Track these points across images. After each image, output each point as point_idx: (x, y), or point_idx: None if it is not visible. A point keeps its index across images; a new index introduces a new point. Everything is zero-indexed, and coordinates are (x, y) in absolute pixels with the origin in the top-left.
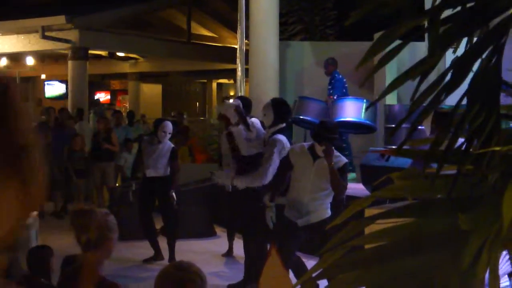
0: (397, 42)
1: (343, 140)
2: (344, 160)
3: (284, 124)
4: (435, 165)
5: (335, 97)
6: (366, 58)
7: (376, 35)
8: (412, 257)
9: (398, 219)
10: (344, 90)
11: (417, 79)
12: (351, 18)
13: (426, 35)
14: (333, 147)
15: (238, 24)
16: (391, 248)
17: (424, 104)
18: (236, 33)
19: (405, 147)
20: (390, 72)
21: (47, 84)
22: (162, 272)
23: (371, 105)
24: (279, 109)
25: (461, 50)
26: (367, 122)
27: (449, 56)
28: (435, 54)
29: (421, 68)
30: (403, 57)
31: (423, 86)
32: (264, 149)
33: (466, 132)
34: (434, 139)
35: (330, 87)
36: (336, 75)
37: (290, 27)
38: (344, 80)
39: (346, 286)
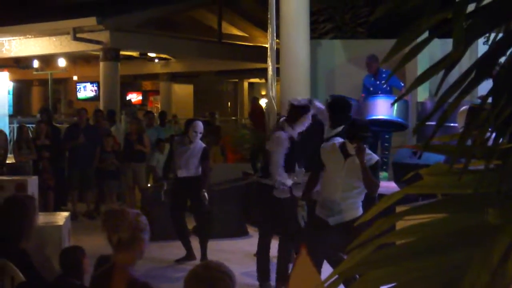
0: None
1: (386, 139)
2: (375, 158)
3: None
4: (464, 160)
5: (403, 85)
6: (391, 53)
7: None
8: (441, 254)
9: (427, 215)
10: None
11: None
12: (376, 14)
13: None
14: (365, 145)
15: (269, 23)
16: (421, 245)
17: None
18: (267, 32)
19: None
20: (422, 67)
21: (79, 85)
22: (191, 272)
23: (396, 101)
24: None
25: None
26: (399, 119)
27: (482, 49)
28: (459, 48)
29: (445, 63)
30: (435, 54)
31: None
32: None
33: (492, 127)
34: (461, 134)
35: (382, 82)
36: (384, 70)
37: (320, 26)
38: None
39: (376, 282)
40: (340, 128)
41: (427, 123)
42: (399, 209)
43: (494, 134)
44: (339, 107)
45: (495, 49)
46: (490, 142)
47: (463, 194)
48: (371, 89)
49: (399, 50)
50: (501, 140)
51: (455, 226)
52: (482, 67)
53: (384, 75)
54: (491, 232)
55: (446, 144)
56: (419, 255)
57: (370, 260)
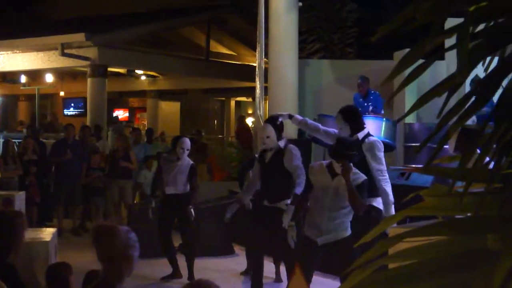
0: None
1: None
2: (362, 177)
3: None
4: (458, 183)
5: (382, 112)
6: (393, 74)
7: (396, 54)
8: (441, 276)
9: (426, 237)
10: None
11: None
12: (378, 34)
13: (445, 54)
14: (352, 164)
15: (257, 42)
16: (420, 267)
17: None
18: (255, 51)
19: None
20: (410, 91)
21: (66, 101)
22: None
23: (399, 121)
24: (352, 119)
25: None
26: (387, 140)
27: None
28: (463, 70)
29: (448, 85)
30: (423, 76)
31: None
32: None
33: (494, 150)
34: (461, 157)
35: (369, 103)
36: (373, 91)
37: (309, 45)
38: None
39: None
40: (361, 133)
41: (413, 144)
42: (392, 231)
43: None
44: (355, 114)
45: (498, 72)
46: (491, 166)
47: (462, 217)
48: (360, 109)
49: (402, 71)
50: (503, 162)
51: (456, 248)
52: (485, 90)
53: (371, 97)
54: (492, 255)
55: (443, 166)
56: (417, 278)
57: (370, 281)
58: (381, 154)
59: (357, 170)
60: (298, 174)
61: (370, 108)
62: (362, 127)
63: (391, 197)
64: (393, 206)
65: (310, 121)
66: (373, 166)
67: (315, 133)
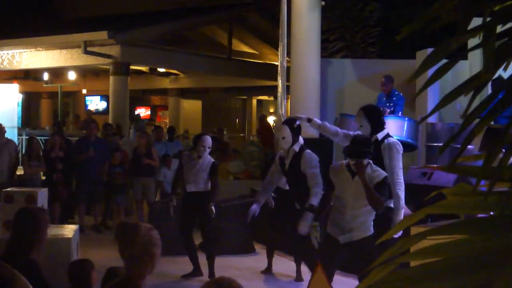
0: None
1: None
2: (383, 174)
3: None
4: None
5: (400, 114)
6: (418, 73)
7: (419, 53)
8: (462, 275)
9: (448, 236)
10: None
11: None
12: (403, 33)
13: (468, 54)
14: (370, 161)
15: (280, 41)
16: (443, 266)
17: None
18: (277, 50)
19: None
20: (432, 90)
21: (88, 99)
22: None
23: (423, 120)
24: (374, 118)
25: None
26: (409, 140)
27: None
28: (489, 69)
29: (474, 84)
30: (446, 75)
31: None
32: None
33: None
34: (486, 155)
35: (391, 104)
36: (397, 92)
37: (331, 45)
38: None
39: None
40: (381, 133)
41: (435, 144)
42: (414, 229)
43: None
44: (378, 113)
45: None
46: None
47: (486, 216)
48: (382, 109)
49: (427, 70)
50: None
51: (478, 247)
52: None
53: (394, 98)
54: None
55: (468, 165)
56: (440, 276)
57: (390, 279)
58: (399, 157)
59: (377, 167)
60: (314, 183)
61: (392, 108)
62: (382, 127)
63: (402, 202)
64: (403, 211)
65: (329, 125)
66: (389, 168)
67: (333, 137)
